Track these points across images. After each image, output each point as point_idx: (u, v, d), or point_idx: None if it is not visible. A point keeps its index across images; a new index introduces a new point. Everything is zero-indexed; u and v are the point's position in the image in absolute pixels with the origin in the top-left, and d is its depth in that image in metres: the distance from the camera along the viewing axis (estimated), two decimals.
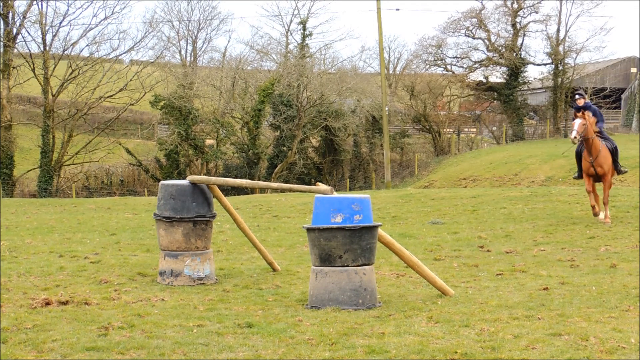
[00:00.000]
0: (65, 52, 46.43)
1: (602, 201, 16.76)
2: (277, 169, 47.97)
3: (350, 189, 47.40)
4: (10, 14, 44.09)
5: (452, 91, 59.28)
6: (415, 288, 9.54)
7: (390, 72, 68.76)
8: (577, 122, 16.23)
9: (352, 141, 52.97)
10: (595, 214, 16.35)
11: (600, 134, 16.65)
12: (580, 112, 16.27)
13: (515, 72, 54.52)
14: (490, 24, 56.01)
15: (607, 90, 59.84)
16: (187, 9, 64.92)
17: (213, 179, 10.22)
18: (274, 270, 10.95)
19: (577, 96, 17.03)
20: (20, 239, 14.54)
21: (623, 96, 62.10)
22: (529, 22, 55.92)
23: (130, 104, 48.29)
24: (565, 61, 56.14)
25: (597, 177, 16.60)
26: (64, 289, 9.22)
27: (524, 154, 39.83)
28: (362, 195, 8.52)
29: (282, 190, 18.51)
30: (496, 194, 22.79)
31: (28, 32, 45.99)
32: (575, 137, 16.18)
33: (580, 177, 17.00)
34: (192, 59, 61.29)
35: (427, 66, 57.86)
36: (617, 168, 16.74)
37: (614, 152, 16.73)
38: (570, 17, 65.21)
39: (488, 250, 12.87)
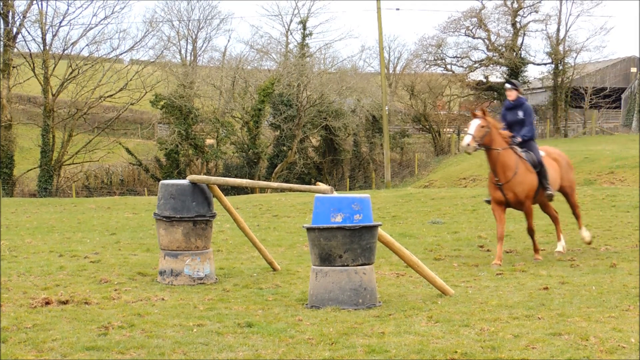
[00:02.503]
0: (65, 52, 46.46)
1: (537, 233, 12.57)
2: (277, 168, 47.98)
3: (350, 189, 47.39)
4: (10, 13, 44.11)
5: (452, 91, 59.33)
6: (415, 288, 9.54)
7: (390, 71, 68.75)
8: (473, 124, 11.73)
9: (352, 141, 52.98)
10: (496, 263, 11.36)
11: (525, 143, 12.16)
12: (480, 111, 11.85)
13: (515, 71, 54.54)
14: (490, 24, 56.10)
15: (607, 90, 59.89)
16: (187, 8, 64.82)
17: (213, 178, 10.23)
18: (274, 269, 10.95)
19: (507, 86, 12.46)
20: (20, 239, 14.54)
21: (623, 96, 62.13)
22: (529, 22, 56.02)
23: (131, 104, 48.32)
24: (565, 61, 56.20)
25: (513, 205, 12.09)
26: (64, 289, 9.22)
27: None
28: (362, 195, 8.52)
29: (282, 190, 18.51)
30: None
31: (28, 32, 46.11)
32: (468, 145, 11.57)
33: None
34: (192, 58, 61.26)
35: (427, 66, 57.95)
36: (544, 190, 12.22)
37: (539, 170, 12.16)
38: (570, 17, 65.17)
39: (488, 250, 12.87)
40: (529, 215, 12.23)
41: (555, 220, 12.95)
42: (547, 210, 13.00)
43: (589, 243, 12.96)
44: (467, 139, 11.70)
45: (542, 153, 12.41)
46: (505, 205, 12.05)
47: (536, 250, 12.21)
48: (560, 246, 12.56)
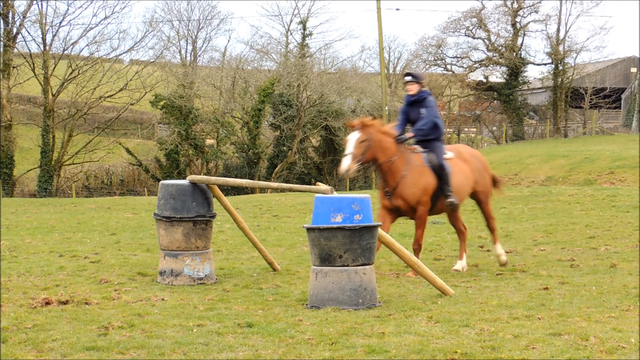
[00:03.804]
0: (65, 52, 46.46)
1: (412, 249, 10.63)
2: (277, 168, 47.98)
3: (350, 189, 47.39)
4: (10, 13, 44.11)
5: (452, 91, 59.34)
6: (415, 288, 9.54)
7: (390, 71, 68.74)
8: (351, 140, 10.28)
9: None
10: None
11: (428, 143, 10.81)
12: (358, 121, 10.41)
13: (515, 72, 54.55)
14: (490, 24, 56.12)
15: (607, 90, 59.91)
16: (187, 8, 64.85)
17: (213, 178, 10.23)
18: (274, 269, 10.95)
19: (407, 78, 10.93)
20: (20, 239, 14.53)
21: (623, 96, 62.12)
22: (529, 22, 56.05)
23: (131, 104, 48.32)
24: (565, 61, 56.22)
25: (405, 212, 10.71)
26: (64, 289, 9.22)
27: (524, 154, 39.85)
28: (362, 195, 8.52)
29: (282, 190, 18.50)
30: (496, 193, 22.75)
31: (28, 32, 46.09)
32: (348, 171, 10.17)
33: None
34: (192, 58, 61.30)
35: (427, 66, 57.93)
36: (445, 197, 10.79)
37: (439, 172, 10.73)
38: (570, 17, 65.25)
39: (488, 250, 12.86)
40: (419, 226, 10.72)
41: (461, 235, 11.43)
42: (454, 222, 11.49)
43: (504, 264, 11.13)
44: (345, 162, 10.17)
45: (450, 154, 11.04)
46: (396, 213, 10.67)
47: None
48: (460, 265, 10.98)
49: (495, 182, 12.11)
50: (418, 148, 10.83)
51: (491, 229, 11.67)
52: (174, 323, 7.49)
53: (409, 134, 10.79)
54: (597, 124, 56.96)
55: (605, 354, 6.35)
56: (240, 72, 49.49)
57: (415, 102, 10.88)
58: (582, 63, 57.87)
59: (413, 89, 10.84)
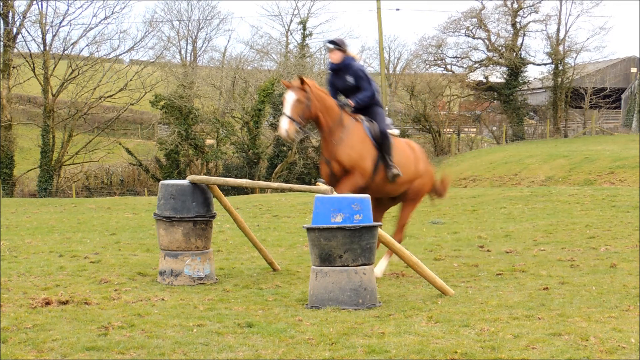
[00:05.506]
0: (65, 52, 46.49)
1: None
2: (277, 168, 47.98)
3: None
4: (10, 13, 44.13)
5: (452, 91, 59.29)
6: (415, 288, 9.54)
7: (390, 72, 68.77)
8: (288, 100, 9.72)
9: None
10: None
11: (368, 110, 10.28)
12: (297, 80, 9.80)
13: (515, 72, 54.54)
14: (490, 24, 56.11)
15: (607, 90, 59.94)
16: (187, 8, 64.95)
17: (213, 178, 10.23)
18: (274, 270, 10.95)
19: (330, 45, 10.20)
20: (20, 239, 14.53)
21: (623, 96, 62.14)
22: (529, 22, 56.05)
23: (131, 104, 48.33)
24: (565, 61, 56.23)
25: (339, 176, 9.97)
26: (64, 289, 9.22)
27: (524, 154, 39.85)
28: (362, 195, 8.53)
29: (282, 190, 18.49)
30: (496, 193, 22.79)
31: (28, 32, 46.13)
32: (287, 132, 9.71)
33: None
34: (192, 58, 61.35)
35: (427, 66, 57.95)
36: (387, 168, 10.19)
37: (380, 141, 10.19)
38: (570, 17, 65.28)
39: (488, 250, 12.86)
40: (346, 186, 9.81)
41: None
42: (380, 212, 10.61)
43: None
44: (283, 124, 9.62)
45: (396, 131, 10.66)
46: (335, 181, 9.89)
47: None
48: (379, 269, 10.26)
49: (438, 191, 11.62)
50: (360, 117, 10.26)
51: (396, 237, 10.51)
52: (174, 323, 7.49)
53: (349, 101, 10.21)
54: (597, 124, 56.96)
55: (605, 354, 6.35)
56: (240, 72, 49.51)
57: (340, 70, 10.27)
58: (582, 63, 57.90)
59: (336, 56, 10.22)
